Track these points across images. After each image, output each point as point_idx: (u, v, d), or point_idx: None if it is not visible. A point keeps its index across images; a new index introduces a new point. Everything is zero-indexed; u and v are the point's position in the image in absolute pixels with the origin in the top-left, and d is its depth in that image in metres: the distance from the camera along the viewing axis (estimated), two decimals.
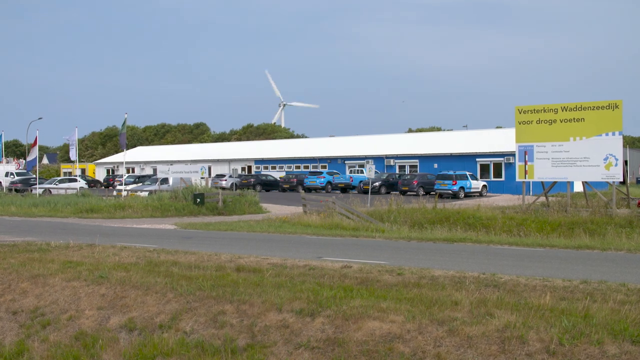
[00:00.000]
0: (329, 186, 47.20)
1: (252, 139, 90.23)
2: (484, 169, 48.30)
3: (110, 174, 70.25)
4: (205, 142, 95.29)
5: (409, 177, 44.17)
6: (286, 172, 57.98)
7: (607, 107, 24.93)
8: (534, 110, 26.77)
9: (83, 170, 69.38)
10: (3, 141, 49.47)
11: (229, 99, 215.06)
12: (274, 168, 61.17)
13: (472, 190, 40.98)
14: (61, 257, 13.44)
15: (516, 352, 6.80)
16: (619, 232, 20.17)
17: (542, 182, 27.83)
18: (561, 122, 25.93)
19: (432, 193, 40.01)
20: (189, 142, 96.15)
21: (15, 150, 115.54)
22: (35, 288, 11.18)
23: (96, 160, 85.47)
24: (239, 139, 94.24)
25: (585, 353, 6.60)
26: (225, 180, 49.97)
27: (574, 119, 25.66)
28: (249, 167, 63.35)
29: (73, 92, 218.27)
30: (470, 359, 6.88)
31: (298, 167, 59.16)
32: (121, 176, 53.33)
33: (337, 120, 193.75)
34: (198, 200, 30.63)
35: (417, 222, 23.98)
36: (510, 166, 44.83)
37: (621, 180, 26.59)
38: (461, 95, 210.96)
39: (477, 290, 9.18)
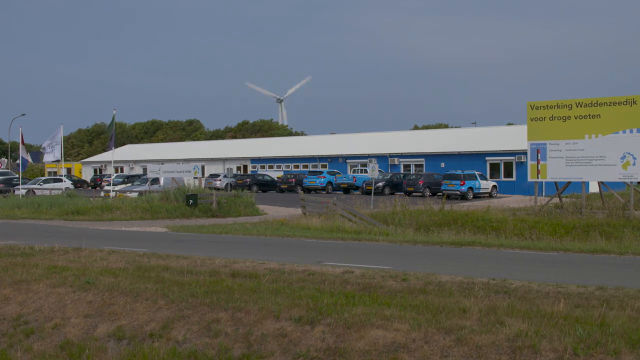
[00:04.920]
0: (330, 186, 47.22)
1: (248, 137, 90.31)
2: (494, 168, 48.29)
3: (98, 173, 70.26)
4: (198, 139, 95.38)
5: (414, 177, 44.16)
6: (284, 171, 58.00)
7: (625, 103, 24.91)
8: (547, 106, 26.75)
9: (69, 170, 69.42)
10: None
11: (223, 95, 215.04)
12: (271, 167, 61.19)
13: (481, 190, 40.98)
14: (46, 261, 13.45)
15: None
16: (637, 236, 20.17)
17: (555, 182, 27.82)
18: (576, 118, 25.92)
19: (438, 194, 40.01)
20: (181, 139, 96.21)
21: None
22: (18, 294, 11.18)
23: (83, 159, 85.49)
24: (234, 137, 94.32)
25: None
26: (220, 180, 49.99)
27: (589, 115, 25.64)
28: (245, 167, 63.38)
29: (58, 87, 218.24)
30: None
31: (297, 167, 59.17)
32: (109, 176, 53.36)
33: (338, 116, 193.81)
34: (191, 201, 30.64)
35: (423, 225, 23.99)
36: (522, 165, 44.85)
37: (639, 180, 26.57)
38: (470, 90, 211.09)
39: (487, 297, 9.18)
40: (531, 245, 17.43)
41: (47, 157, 42.18)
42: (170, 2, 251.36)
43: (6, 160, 72.82)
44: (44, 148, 41.36)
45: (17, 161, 44.09)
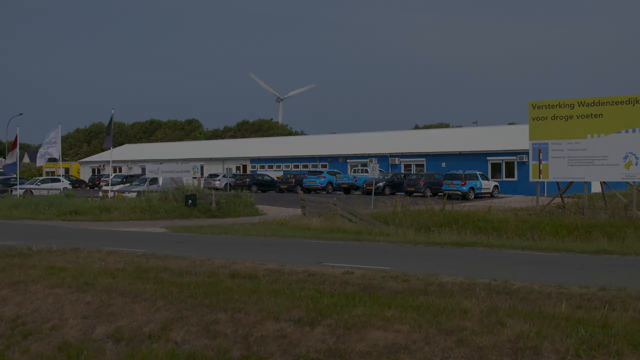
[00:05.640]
0: (330, 186, 47.20)
1: (248, 136, 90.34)
2: (496, 168, 48.28)
3: (96, 173, 70.25)
4: (197, 139, 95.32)
5: (415, 177, 44.15)
6: (284, 171, 57.98)
7: (627, 102, 24.92)
8: (549, 105, 26.76)
9: (67, 170, 69.37)
10: None
11: (222, 94, 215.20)
12: (270, 167, 61.18)
13: (482, 191, 40.97)
14: (43, 262, 13.44)
15: None
16: None
17: (557, 182, 27.83)
18: (578, 118, 25.92)
19: (439, 194, 39.99)
20: (180, 139, 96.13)
21: None
22: (16, 295, 11.18)
23: (81, 158, 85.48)
24: (233, 136, 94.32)
25: None
26: (219, 180, 49.97)
27: (591, 114, 25.64)
28: (244, 167, 63.37)
29: (56, 86, 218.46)
30: None
31: (297, 167, 59.16)
32: (107, 176, 53.32)
33: (338, 116, 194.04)
34: (190, 201, 30.65)
35: (423, 225, 23.97)
36: (524, 165, 44.80)
37: None
38: (471, 90, 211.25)
39: (488, 298, 9.18)
40: (533, 245, 17.42)
41: (39, 162, 42.30)
42: (170, 2, 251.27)
43: (4, 160, 72.76)
44: (43, 147, 41.32)
45: (8, 161, 43.77)
